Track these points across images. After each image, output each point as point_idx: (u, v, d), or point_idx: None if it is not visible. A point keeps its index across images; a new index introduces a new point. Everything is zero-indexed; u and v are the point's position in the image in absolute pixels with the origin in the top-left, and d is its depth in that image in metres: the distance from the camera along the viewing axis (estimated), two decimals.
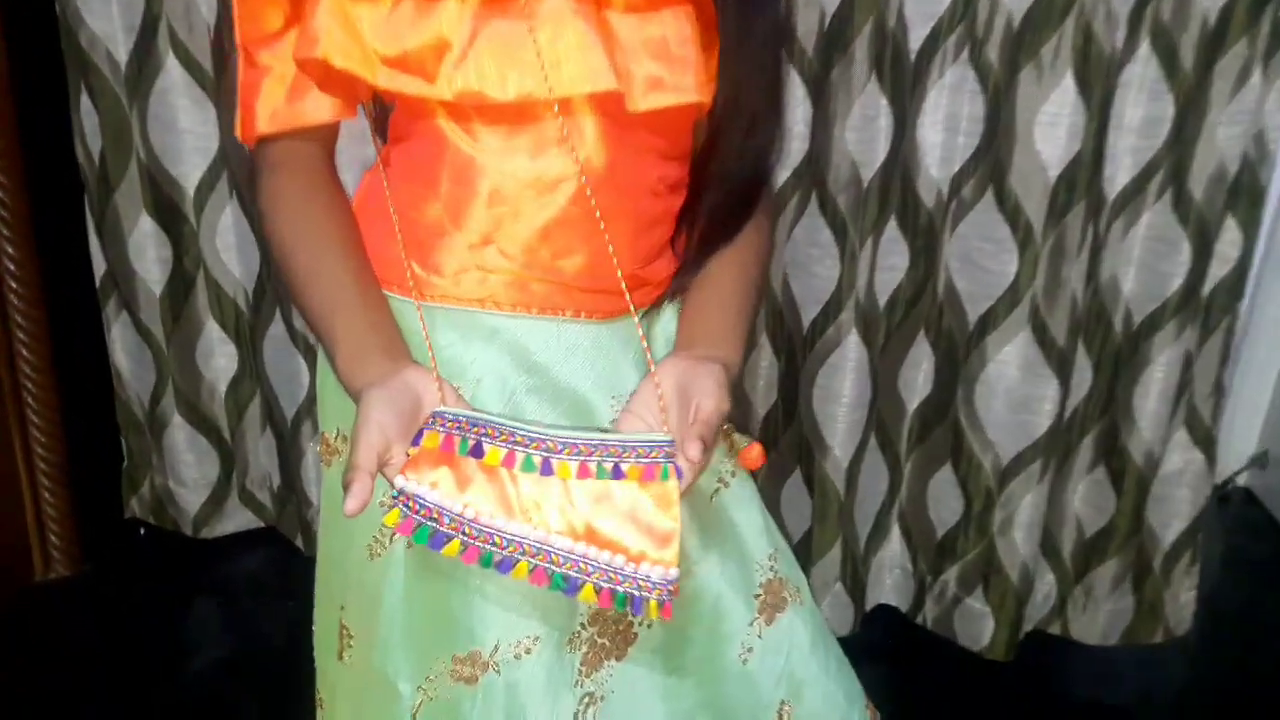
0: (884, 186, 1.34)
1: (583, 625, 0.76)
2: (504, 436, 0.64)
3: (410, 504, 0.62)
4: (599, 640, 0.76)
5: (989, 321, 1.37)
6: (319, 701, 0.86)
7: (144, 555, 1.75)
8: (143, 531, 1.76)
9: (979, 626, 1.51)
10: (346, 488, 0.60)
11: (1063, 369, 1.37)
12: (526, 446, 0.64)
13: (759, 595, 0.82)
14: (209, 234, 1.57)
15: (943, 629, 1.56)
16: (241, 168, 1.51)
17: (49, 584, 1.65)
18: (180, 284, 1.60)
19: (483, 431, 0.64)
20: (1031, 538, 1.46)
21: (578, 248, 0.75)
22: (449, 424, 0.64)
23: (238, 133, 0.77)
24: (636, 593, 0.63)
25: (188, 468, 1.71)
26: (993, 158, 1.30)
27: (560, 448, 0.65)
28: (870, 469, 1.52)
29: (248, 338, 1.63)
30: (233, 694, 1.45)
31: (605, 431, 0.69)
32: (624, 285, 0.74)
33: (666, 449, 0.65)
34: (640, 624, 0.77)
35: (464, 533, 0.62)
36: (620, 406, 0.74)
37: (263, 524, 1.77)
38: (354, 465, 0.61)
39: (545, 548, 0.63)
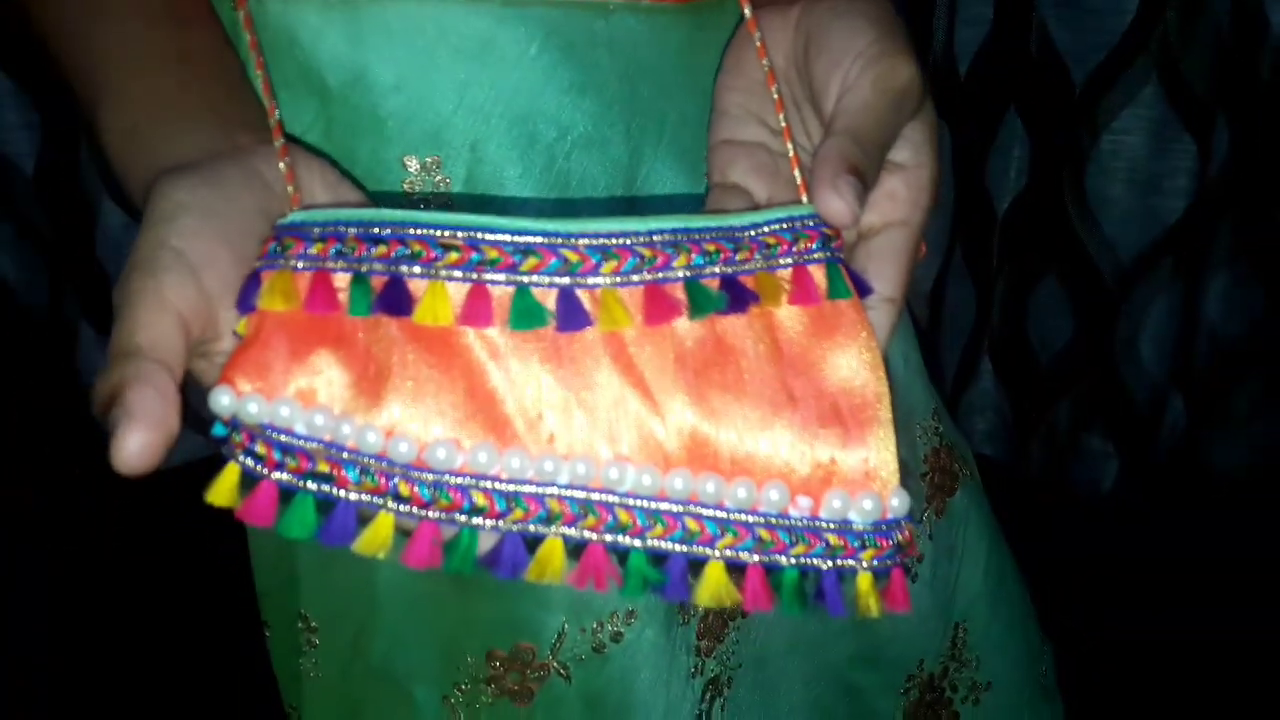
0: None
1: None
2: (453, 252, 0.30)
3: (258, 448, 0.28)
4: None
5: (1101, 81, 1.11)
6: (290, 714, 0.55)
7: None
8: None
9: (1100, 468, 1.29)
10: (106, 409, 0.26)
11: (1203, 129, 1.09)
12: (511, 269, 0.30)
13: (925, 474, 0.53)
14: None
15: (1053, 476, 1.33)
16: None
17: None
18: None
19: (396, 250, 0.30)
20: (1163, 355, 1.21)
21: None
22: (314, 242, 0.30)
23: None
24: (827, 561, 0.30)
25: None
26: None
27: (591, 255, 0.31)
28: (953, 290, 1.27)
29: None
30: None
31: (683, 217, 0.33)
32: None
33: (825, 230, 0.33)
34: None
35: (394, 495, 0.29)
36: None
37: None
38: (124, 352, 0.26)
39: (596, 497, 0.30)
